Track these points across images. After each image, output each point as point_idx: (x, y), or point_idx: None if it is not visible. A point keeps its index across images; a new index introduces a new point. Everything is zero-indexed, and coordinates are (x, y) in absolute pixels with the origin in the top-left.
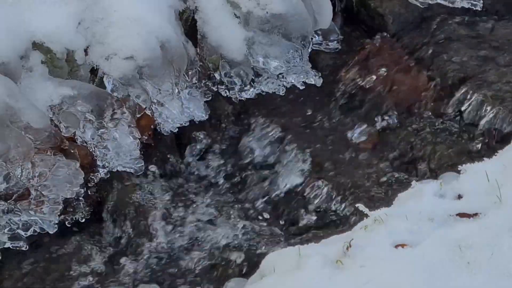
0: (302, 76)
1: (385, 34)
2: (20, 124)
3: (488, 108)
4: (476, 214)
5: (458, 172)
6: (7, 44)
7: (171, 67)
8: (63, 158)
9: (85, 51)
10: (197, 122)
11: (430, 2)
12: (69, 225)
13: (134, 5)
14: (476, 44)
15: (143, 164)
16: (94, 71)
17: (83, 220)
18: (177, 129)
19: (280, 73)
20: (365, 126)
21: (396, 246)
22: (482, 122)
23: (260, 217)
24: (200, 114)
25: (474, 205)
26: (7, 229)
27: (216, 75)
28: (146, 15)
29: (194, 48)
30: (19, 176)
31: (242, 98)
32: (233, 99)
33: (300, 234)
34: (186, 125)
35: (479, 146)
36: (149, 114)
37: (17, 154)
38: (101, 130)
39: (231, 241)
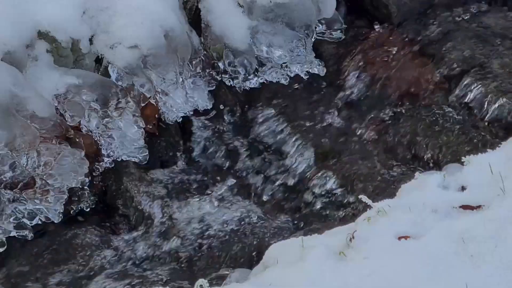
0: (305, 66)
1: (389, 23)
2: (26, 113)
3: (492, 99)
4: (479, 206)
5: (462, 163)
6: (12, 33)
7: (175, 56)
8: (68, 147)
9: (90, 40)
10: (201, 111)
11: None
12: (74, 214)
13: None
14: (481, 34)
15: (147, 153)
16: (99, 60)
17: (88, 209)
18: (181, 118)
19: (283, 63)
20: (369, 116)
21: (399, 238)
22: (486, 113)
23: (263, 207)
24: (204, 103)
25: (477, 197)
26: (12, 218)
27: (220, 64)
28: (150, 4)
29: (198, 37)
30: (24, 165)
31: (246, 87)
32: (237, 88)
33: (304, 225)
34: (190, 114)
35: (483, 137)
36: (154, 103)
37: (22, 143)
38: (106, 119)
39: (235, 231)
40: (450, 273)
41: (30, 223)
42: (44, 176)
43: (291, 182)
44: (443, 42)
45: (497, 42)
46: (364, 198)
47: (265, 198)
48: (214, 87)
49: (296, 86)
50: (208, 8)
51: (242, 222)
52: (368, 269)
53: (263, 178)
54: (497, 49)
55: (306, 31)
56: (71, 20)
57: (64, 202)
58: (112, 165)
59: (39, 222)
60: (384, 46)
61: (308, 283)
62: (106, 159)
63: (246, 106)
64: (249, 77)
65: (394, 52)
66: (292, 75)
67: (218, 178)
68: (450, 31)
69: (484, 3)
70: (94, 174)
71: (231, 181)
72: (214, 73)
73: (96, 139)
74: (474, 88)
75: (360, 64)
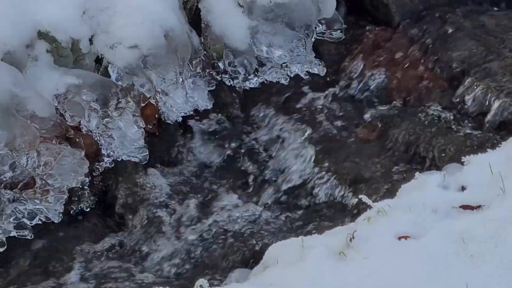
0: (305, 66)
1: (389, 23)
2: (26, 113)
3: (492, 99)
4: (479, 206)
5: (462, 163)
6: (12, 33)
7: (175, 56)
8: (68, 147)
9: (90, 40)
10: (201, 111)
11: None
12: (74, 214)
13: None
14: (480, 34)
15: (147, 153)
16: (99, 60)
17: (88, 209)
18: (181, 118)
19: (283, 63)
20: (369, 116)
21: (399, 238)
22: (486, 113)
23: (263, 207)
24: (204, 103)
25: (477, 197)
26: (12, 218)
27: (220, 64)
28: (151, 4)
29: (198, 37)
30: (24, 165)
31: (246, 87)
32: (237, 88)
33: (304, 224)
34: (190, 114)
35: (483, 137)
36: (154, 103)
37: (22, 143)
38: (106, 119)
39: (235, 231)
40: (450, 273)
41: (30, 223)
42: (44, 176)
43: (291, 182)
44: (443, 42)
45: (497, 42)
46: (364, 198)
47: (265, 198)
48: (214, 87)
49: (296, 86)
50: (208, 8)
51: (242, 222)
52: (368, 269)
53: (263, 178)
54: (497, 49)
55: (306, 31)
56: (71, 20)
57: (64, 202)
58: (112, 165)
59: (39, 222)
60: (384, 46)
61: (308, 283)
62: (106, 159)
63: (246, 106)
64: (249, 77)
65: (394, 52)
66: (292, 75)
67: (218, 178)
68: (450, 31)
69: (484, 3)
70: (94, 174)
71: (231, 181)
72: (214, 73)
73: (96, 139)
74: (474, 88)
75: (360, 64)
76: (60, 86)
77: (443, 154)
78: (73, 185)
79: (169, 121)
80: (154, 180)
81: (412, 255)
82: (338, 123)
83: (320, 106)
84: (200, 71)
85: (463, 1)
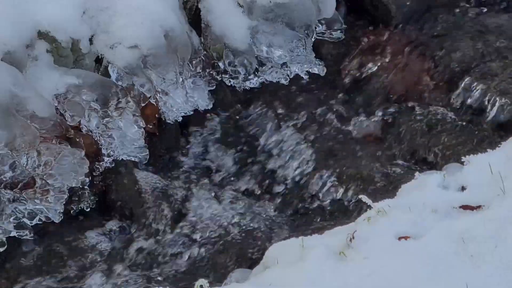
0: (305, 66)
1: (389, 23)
2: (26, 113)
3: (492, 99)
4: (479, 207)
5: (462, 163)
6: (12, 33)
7: (175, 56)
8: (68, 147)
9: (90, 40)
10: (201, 111)
11: None
12: (74, 214)
13: None
14: (480, 34)
15: (147, 152)
16: (99, 60)
17: (88, 209)
18: (181, 118)
19: (283, 63)
20: (369, 116)
21: (399, 238)
22: (486, 113)
23: (263, 207)
24: (204, 103)
25: (477, 197)
26: (12, 217)
27: (220, 64)
28: (151, 4)
29: (198, 37)
30: (24, 165)
31: (246, 87)
32: (237, 88)
33: (304, 225)
34: (190, 114)
35: (483, 137)
36: (154, 103)
37: (22, 143)
38: (106, 119)
39: (235, 231)
40: (450, 273)
41: (30, 223)
42: (44, 176)
43: (291, 182)
44: (443, 42)
45: (497, 42)
46: (364, 198)
47: (265, 198)
48: (214, 87)
49: (296, 86)
50: (208, 8)
51: (243, 222)
52: (368, 269)
53: (263, 178)
54: (497, 49)
55: (306, 31)
56: (71, 20)
57: (64, 202)
58: (112, 165)
59: (39, 222)
60: (384, 46)
61: (308, 283)
62: (106, 159)
63: (246, 106)
64: (249, 77)
65: (394, 52)
66: (292, 75)
67: (218, 178)
68: (450, 31)
69: (484, 3)
70: (94, 173)
71: (231, 181)
72: (214, 73)
73: (96, 139)
74: (474, 88)
75: (360, 64)
76: (60, 86)
77: (443, 154)
78: (73, 185)
79: (169, 121)
80: (154, 180)
81: (412, 255)
82: (338, 123)
83: (320, 106)
84: (200, 71)
85: (463, 1)
